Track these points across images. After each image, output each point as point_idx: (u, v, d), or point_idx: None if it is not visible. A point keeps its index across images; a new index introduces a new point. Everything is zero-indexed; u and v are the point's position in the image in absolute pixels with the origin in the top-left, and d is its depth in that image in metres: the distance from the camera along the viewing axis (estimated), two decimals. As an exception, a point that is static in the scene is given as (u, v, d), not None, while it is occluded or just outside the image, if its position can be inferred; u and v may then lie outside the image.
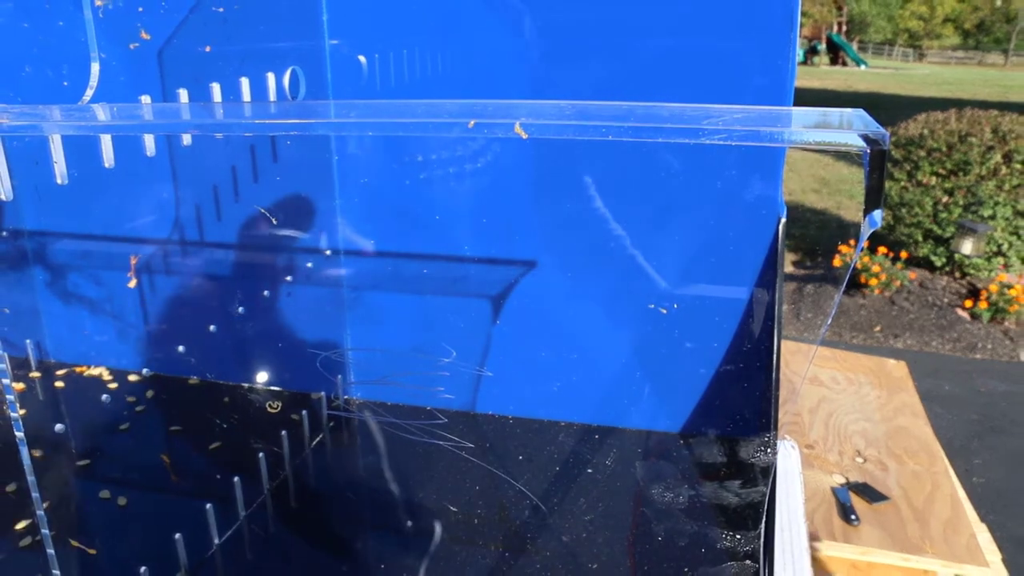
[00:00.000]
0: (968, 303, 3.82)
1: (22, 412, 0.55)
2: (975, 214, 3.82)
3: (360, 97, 0.81)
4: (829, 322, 3.77)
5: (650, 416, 0.85)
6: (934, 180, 3.95)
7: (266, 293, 0.89)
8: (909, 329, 3.65)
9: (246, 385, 0.92)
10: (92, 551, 0.66)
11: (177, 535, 0.63)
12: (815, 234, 5.03)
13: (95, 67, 0.69)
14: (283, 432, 0.78)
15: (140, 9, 0.74)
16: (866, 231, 0.33)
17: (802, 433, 1.68)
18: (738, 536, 0.69)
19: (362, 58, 0.80)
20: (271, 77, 0.77)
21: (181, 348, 0.90)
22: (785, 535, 0.79)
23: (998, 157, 3.84)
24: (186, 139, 0.78)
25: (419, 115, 0.41)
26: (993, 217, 3.82)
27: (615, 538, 0.70)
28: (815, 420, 1.74)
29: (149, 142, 0.73)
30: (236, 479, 0.71)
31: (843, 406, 1.79)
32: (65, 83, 0.71)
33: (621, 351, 0.83)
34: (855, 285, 3.99)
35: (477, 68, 0.77)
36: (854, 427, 1.70)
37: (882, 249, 4.06)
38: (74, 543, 0.66)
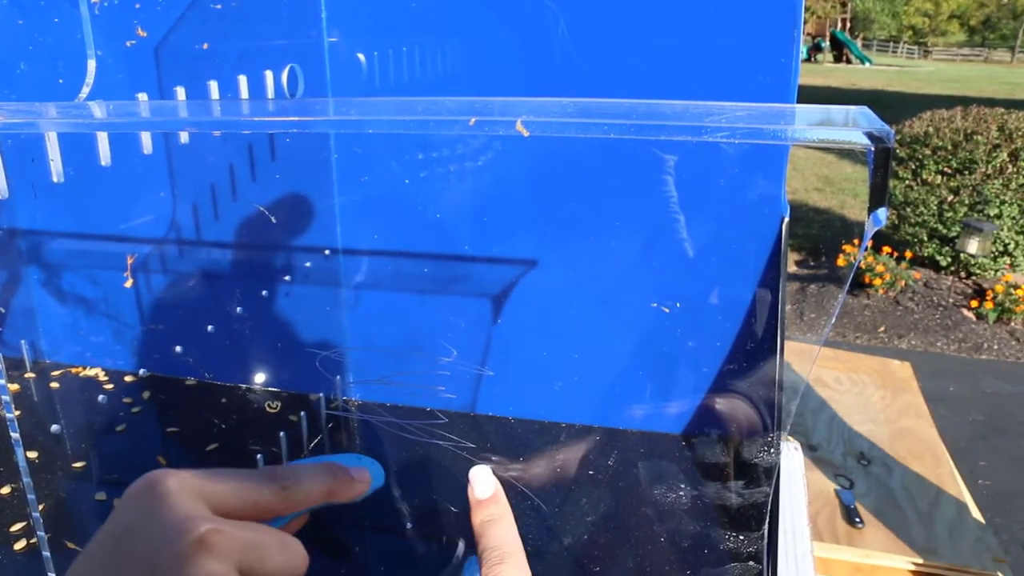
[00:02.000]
0: (974, 303, 3.80)
1: (17, 413, 0.55)
2: (981, 213, 3.81)
3: (360, 95, 0.80)
4: (832, 322, 3.76)
5: (652, 416, 0.84)
6: (939, 179, 3.94)
7: (264, 293, 0.88)
8: (914, 329, 3.64)
9: (244, 386, 0.92)
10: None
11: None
12: (818, 233, 5.02)
13: (91, 64, 0.68)
14: (281, 433, 0.77)
15: (137, 6, 0.73)
16: (870, 229, 0.32)
17: (806, 435, 1.67)
18: (741, 537, 0.68)
19: (361, 56, 0.79)
20: (269, 75, 0.76)
21: (178, 348, 0.89)
22: (788, 538, 0.78)
23: (1004, 155, 3.82)
24: (183, 137, 0.77)
25: (419, 112, 0.41)
26: (999, 216, 3.80)
27: (617, 539, 0.69)
28: (819, 421, 1.73)
29: (146, 140, 0.72)
30: (233, 480, 0.70)
31: (847, 407, 1.78)
32: (60, 80, 0.70)
33: (623, 351, 0.82)
34: (859, 285, 3.98)
35: (477, 66, 0.76)
36: (858, 428, 1.69)
37: (886, 249, 4.05)
38: (70, 545, 0.66)
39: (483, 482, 0.32)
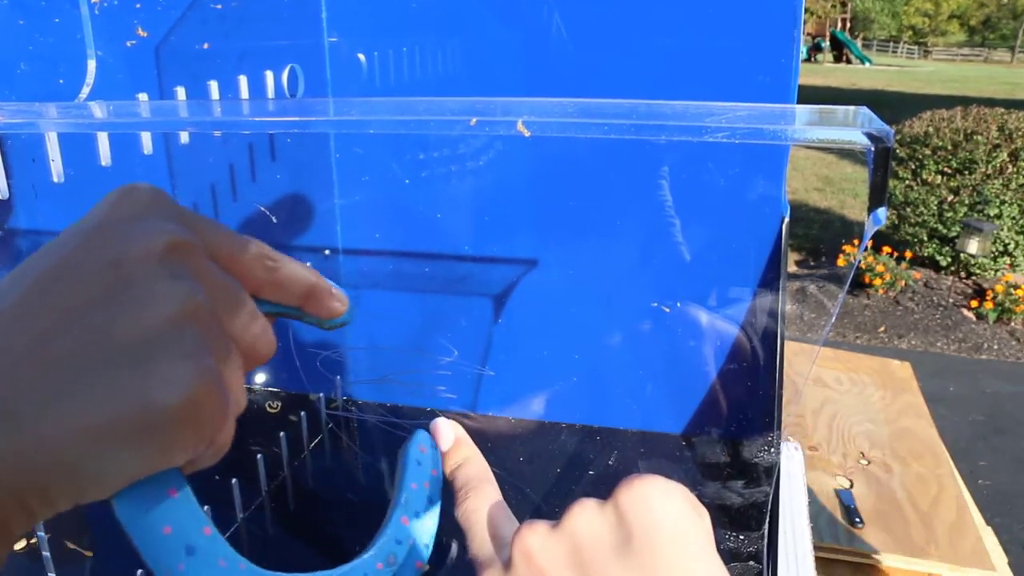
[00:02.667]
0: (974, 303, 3.80)
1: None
2: (981, 213, 3.81)
3: (360, 95, 0.80)
4: (832, 322, 3.76)
5: (652, 416, 0.84)
6: (939, 179, 3.94)
7: (264, 293, 0.88)
8: (914, 329, 3.64)
9: (244, 386, 0.92)
10: (88, 553, 0.65)
11: (173, 537, 0.62)
12: (818, 234, 5.02)
13: (92, 64, 0.68)
14: (281, 433, 0.77)
15: (137, 5, 0.73)
16: (870, 229, 0.32)
17: (805, 435, 1.67)
18: (741, 537, 0.68)
19: (361, 56, 0.79)
20: (270, 75, 0.76)
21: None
22: (788, 538, 0.78)
23: (1004, 155, 3.82)
24: (184, 137, 0.77)
25: (420, 112, 0.41)
26: (999, 216, 3.80)
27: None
28: (819, 421, 1.73)
29: (146, 140, 0.72)
30: (234, 480, 0.70)
31: (847, 407, 1.78)
32: (61, 81, 0.70)
33: (623, 351, 0.82)
34: (859, 285, 3.98)
35: (478, 66, 0.76)
36: (858, 428, 1.69)
37: (886, 249, 4.05)
38: (70, 545, 0.66)
39: (444, 434, 0.33)
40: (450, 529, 0.34)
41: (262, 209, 0.83)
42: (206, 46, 0.76)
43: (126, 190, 0.24)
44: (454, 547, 0.67)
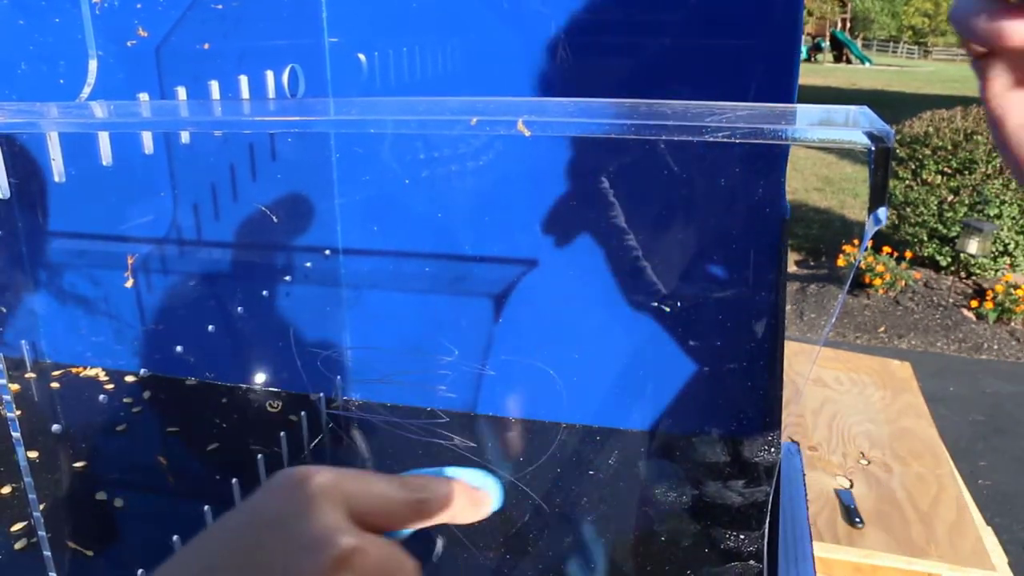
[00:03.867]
0: (974, 303, 3.80)
1: (18, 413, 0.55)
2: (981, 213, 3.80)
3: (360, 95, 0.80)
4: (833, 322, 3.76)
5: (652, 416, 0.84)
6: (939, 179, 3.94)
7: (265, 293, 0.88)
8: (914, 329, 3.64)
9: (244, 386, 0.92)
10: (89, 553, 0.65)
11: (175, 537, 0.62)
12: (818, 233, 5.02)
13: (92, 64, 0.68)
14: (282, 433, 0.78)
15: (138, 6, 0.73)
16: (870, 229, 0.32)
17: (805, 435, 1.67)
18: (741, 536, 0.68)
19: (362, 56, 0.79)
20: (270, 75, 0.76)
21: (179, 348, 0.89)
22: (788, 538, 0.78)
23: (1004, 156, 3.81)
24: (184, 137, 0.77)
25: (420, 112, 0.41)
26: (999, 216, 3.80)
27: (617, 539, 0.69)
28: (818, 421, 1.73)
29: (147, 140, 0.73)
30: (234, 481, 0.70)
31: (847, 407, 1.78)
32: (61, 80, 0.70)
33: (623, 351, 0.82)
34: (859, 285, 3.98)
35: (477, 66, 0.76)
36: (858, 428, 1.69)
37: (886, 249, 4.05)
38: (71, 545, 0.66)
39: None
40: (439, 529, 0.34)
41: (262, 209, 0.83)
42: (206, 46, 0.76)
43: (295, 481, 0.25)
44: (442, 544, 0.67)
